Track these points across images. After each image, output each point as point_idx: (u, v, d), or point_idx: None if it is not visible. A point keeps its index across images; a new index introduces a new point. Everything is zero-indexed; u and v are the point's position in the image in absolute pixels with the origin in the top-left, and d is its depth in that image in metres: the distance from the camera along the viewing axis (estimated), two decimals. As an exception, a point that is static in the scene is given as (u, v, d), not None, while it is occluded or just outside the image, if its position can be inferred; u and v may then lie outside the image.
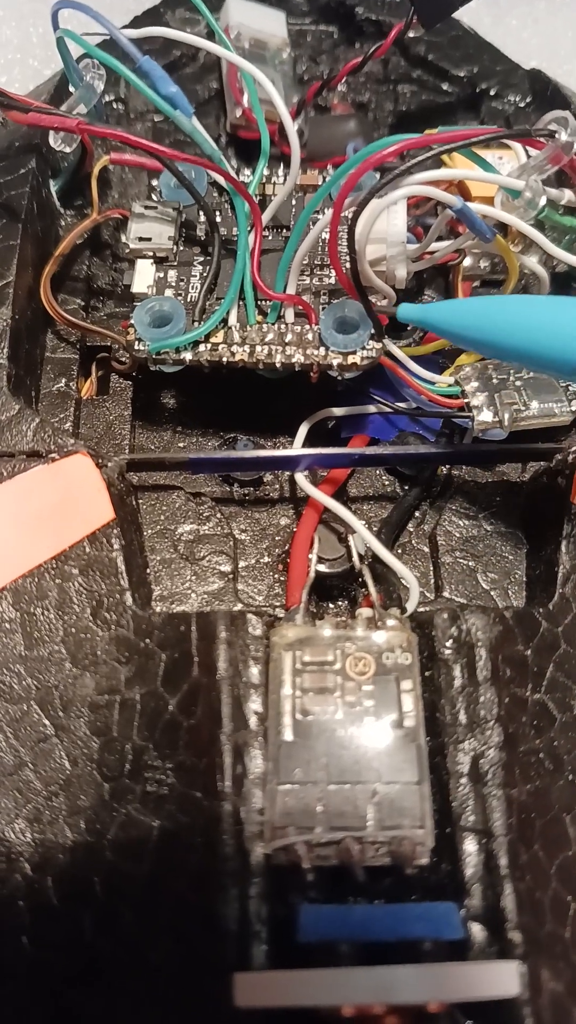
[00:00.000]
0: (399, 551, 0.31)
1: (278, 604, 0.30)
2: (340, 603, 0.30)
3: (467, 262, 0.34)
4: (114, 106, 0.40)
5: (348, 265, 0.29)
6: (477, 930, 0.23)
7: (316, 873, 0.23)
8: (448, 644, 0.26)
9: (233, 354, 0.30)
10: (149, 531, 0.31)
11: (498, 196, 0.30)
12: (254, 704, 0.25)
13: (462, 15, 0.41)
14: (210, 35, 0.34)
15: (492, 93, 0.41)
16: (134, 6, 0.43)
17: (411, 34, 0.41)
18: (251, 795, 0.24)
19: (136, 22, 0.41)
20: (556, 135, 0.28)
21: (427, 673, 0.26)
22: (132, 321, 0.30)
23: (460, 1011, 0.22)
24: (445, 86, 0.42)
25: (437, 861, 0.24)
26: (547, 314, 0.25)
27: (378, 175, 0.29)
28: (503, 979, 0.21)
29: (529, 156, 0.29)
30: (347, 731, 0.24)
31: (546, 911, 0.23)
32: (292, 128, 0.30)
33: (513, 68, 0.41)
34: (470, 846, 0.24)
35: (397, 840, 0.23)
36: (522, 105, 0.40)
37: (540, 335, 0.25)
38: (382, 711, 0.24)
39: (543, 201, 0.29)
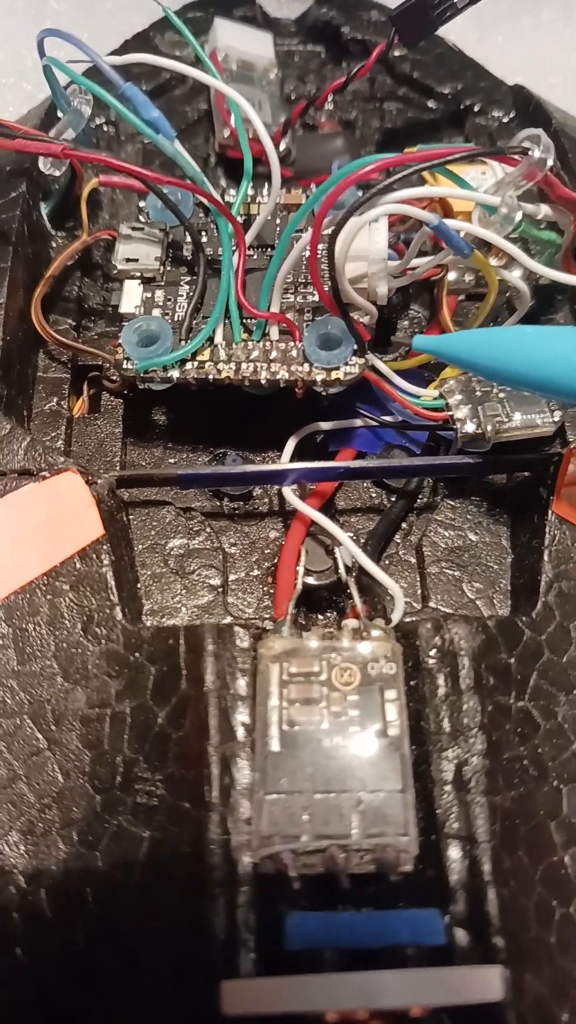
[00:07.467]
0: (386, 562, 0.32)
1: (267, 616, 0.30)
2: (328, 614, 0.31)
3: (451, 276, 0.35)
4: (105, 128, 0.41)
5: (330, 283, 0.29)
6: (461, 936, 0.23)
7: (303, 881, 0.24)
8: (432, 653, 0.26)
9: (219, 371, 0.31)
10: (140, 546, 0.31)
11: (475, 212, 0.31)
12: (241, 715, 0.25)
13: (448, 32, 0.42)
14: (198, 58, 0.34)
15: (476, 109, 0.41)
16: (125, 29, 0.44)
17: (396, 53, 0.42)
18: (239, 805, 0.24)
19: (126, 46, 0.42)
20: (529, 152, 0.28)
21: (412, 683, 0.26)
22: (120, 341, 0.31)
23: (447, 1017, 0.22)
24: (430, 103, 0.42)
25: (422, 868, 0.24)
26: (565, 343, 0.25)
27: (360, 192, 0.30)
28: (486, 983, 0.22)
29: (506, 173, 0.30)
30: (332, 741, 0.24)
31: (530, 916, 0.23)
32: (271, 148, 0.30)
33: (497, 84, 0.42)
34: (454, 853, 0.24)
35: (381, 847, 0.23)
36: (505, 121, 0.41)
37: (558, 365, 0.25)
38: (367, 721, 0.25)
39: (519, 216, 0.29)
